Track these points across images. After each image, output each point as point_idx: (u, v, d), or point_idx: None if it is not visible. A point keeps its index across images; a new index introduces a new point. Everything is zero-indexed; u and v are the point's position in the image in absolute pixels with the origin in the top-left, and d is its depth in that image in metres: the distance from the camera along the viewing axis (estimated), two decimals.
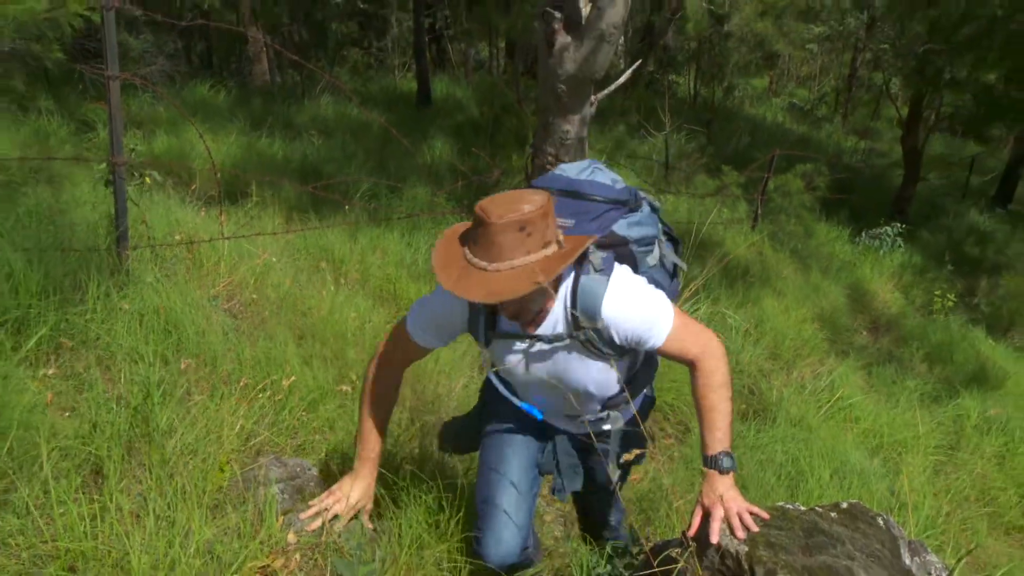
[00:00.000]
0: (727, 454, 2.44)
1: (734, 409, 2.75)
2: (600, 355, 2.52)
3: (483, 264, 2.24)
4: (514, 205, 2.22)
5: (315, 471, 3.11)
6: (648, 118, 14.79)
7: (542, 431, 2.90)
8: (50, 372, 3.35)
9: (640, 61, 11.34)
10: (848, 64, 23.72)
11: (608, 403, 2.74)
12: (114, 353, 3.57)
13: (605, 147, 13.72)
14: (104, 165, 4.52)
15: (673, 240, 2.90)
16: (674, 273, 2.86)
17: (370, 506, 2.81)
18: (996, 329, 10.65)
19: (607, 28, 6.24)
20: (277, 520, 2.64)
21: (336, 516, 2.72)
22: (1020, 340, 10.44)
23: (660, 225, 2.81)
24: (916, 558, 2.68)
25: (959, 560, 3.85)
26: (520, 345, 2.57)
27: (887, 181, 16.78)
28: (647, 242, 2.69)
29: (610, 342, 2.47)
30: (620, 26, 6.36)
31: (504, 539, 2.74)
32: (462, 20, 21.55)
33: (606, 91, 7.34)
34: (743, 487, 4.28)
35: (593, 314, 2.41)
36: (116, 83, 4.23)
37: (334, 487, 2.79)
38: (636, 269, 2.61)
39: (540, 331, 2.50)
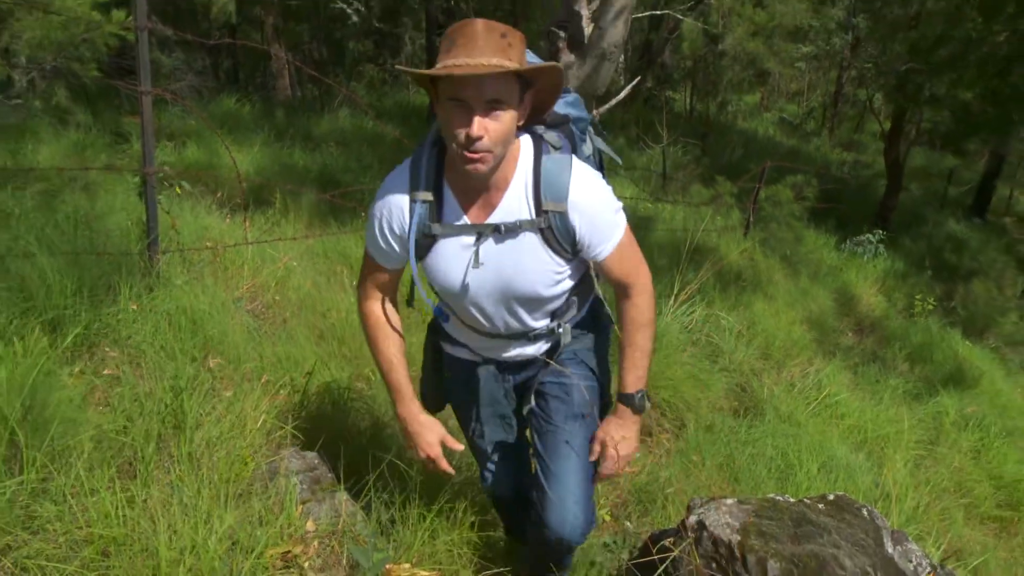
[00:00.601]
0: (644, 394, 2.35)
1: (655, 349, 2.55)
2: (557, 249, 2.23)
3: (464, 60, 1.94)
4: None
5: (332, 463, 3.11)
6: (647, 131, 14.81)
7: (487, 376, 2.59)
8: (84, 368, 3.36)
9: (639, 78, 11.36)
10: (834, 81, 23.73)
11: (555, 312, 2.44)
12: (144, 351, 3.58)
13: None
14: (137, 175, 4.52)
15: (601, 133, 2.71)
16: (601, 166, 2.63)
17: (445, 433, 2.51)
18: (972, 331, 10.70)
19: (608, 47, 6.25)
20: (296, 509, 2.65)
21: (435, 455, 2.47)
22: (994, 341, 10.48)
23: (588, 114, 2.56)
24: (898, 547, 2.68)
25: (946, 559, 3.84)
26: (467, 240, 2.24)
27: (871, 191, 16.78)
28: (582, 127, 2.50)
29: (569, 235, 2.21)
30: (620, 45, 6.37)
31: (509, 481, 2.76)
32: None
33: (607, 106, 7.35)
34: (735, 481, 4.31)
35: (560, 194, 2.17)
36: (148, 98, 4.24)
37: (412, 440, 2.50)
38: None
39: (494, 217, 2.21)
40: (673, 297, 6.21)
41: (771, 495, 2.83)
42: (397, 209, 2.26)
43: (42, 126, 7.65)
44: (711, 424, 4.97)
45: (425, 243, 2.26)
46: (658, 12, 13.68)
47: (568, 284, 2.37)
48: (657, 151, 13.93)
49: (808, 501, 2.79)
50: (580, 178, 2.19)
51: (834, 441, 5.29)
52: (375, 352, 2.53)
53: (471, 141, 1.97)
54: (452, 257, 2.27)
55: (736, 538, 2.53)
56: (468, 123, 1.97)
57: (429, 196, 2.22)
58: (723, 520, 2.62)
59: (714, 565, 2.57)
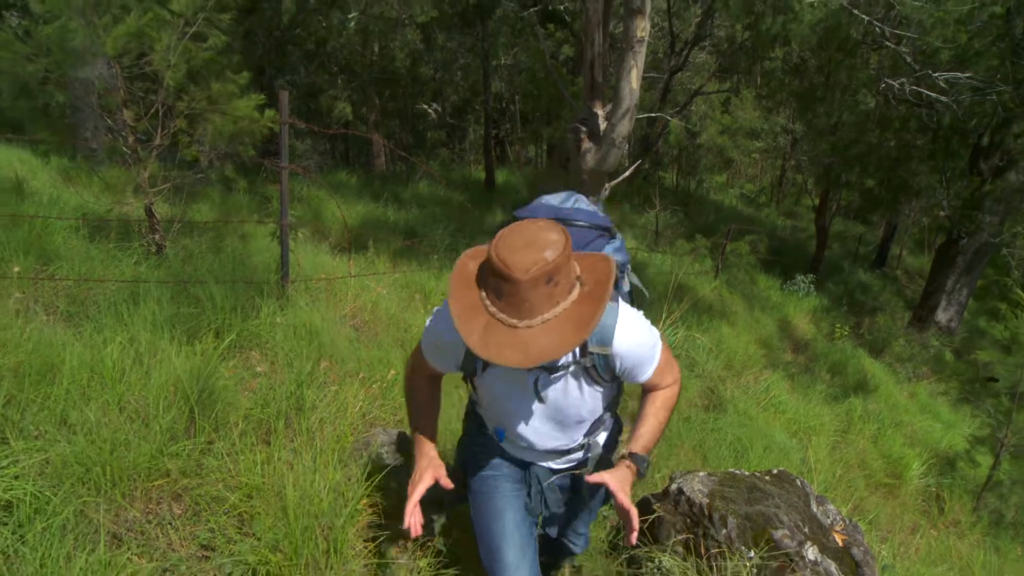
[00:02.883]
0: (648, 462, 1.85)
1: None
2: (598, 381, 1.82)
3: (513, 322, 1.51)
4: (535, 254, 1.49)
5: (408, 436, 3.13)
6: (644, 200, 14.88)
7: (523, 474, 2.07)
8: (236, 365, 3.43)
9: (639, 161, 11.38)
10: (779, 168, 23.75)
11: (591, 428, 1.98)
12: (277, 353, 3.62)
13: (613, 219, 13.72)
14: (276, 226, 4.62)
15: (632, 272, 2.19)
16: (632, 298, 2.14)
17: (442, 471, 1.87)
18: (874, 351, 10.75)
19: (617, 138, 6.31)
20: (382, 471, 2.68)
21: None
22: (889, 359, 10.55)
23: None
24: (820, 507, 2.66)
25: (851, 514, 3.78)
26: (521, 376, 1.79)
27: (805, 248, 16.87)
28: (623, 267, 2.02)
29: (609, 370, 1.79)
30: (626, 137, 6.42)
31: None
32: (518, 130, 21.79)
33: (615, 181, 7.41)
34: (704, 459, 4.27)
35: (606, 341, 1.72)
36: (286, 172, 4.34)
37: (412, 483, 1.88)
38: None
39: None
40: (661, 322, 6.20)
41: (731, 470, 2.81)
42: (451, 336, 1.68)
43: (215, 192, 7.85)
44: (688, 416, 4.94)
45: (479, 363, 1.81)
46: (653, 114, 13.79)
47: (604, 402, 1.92)
48: (651, 215, 13.99)
49: (758, 474, 2.77)
50: (625, 323, 1.74)
51: (776, 430, 5.25)
52: (411, 420, 2.02)
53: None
54: (503, 385, 1.85)
55: (706, 501, 2.52)
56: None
57: None
58: (696, 487, 2.61)
59: (688, 520, 2.55)
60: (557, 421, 1.89)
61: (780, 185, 24.30)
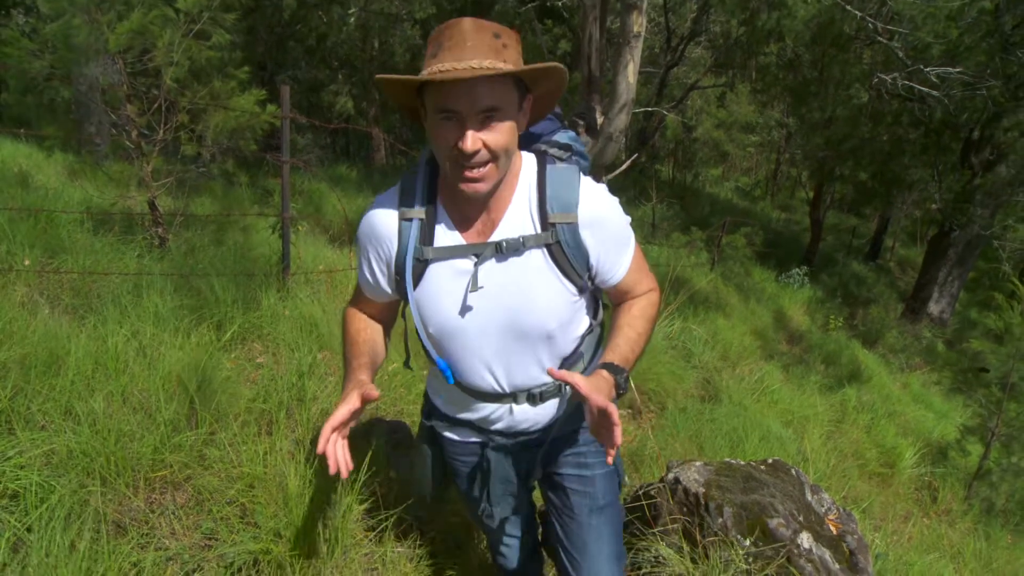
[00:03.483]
0: (627, 376, 1.46)
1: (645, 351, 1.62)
2: (568, 270, 1.45)
3: (450, 64, 1.24)
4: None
5: (409, 428, 3.13)
6: (641, 193, 14.85)
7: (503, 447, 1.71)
8: (238, 356, 3.42)
9: (636, 155, 11.36)
10: (774, 161, 23.74)
11: (566, 362, 1.57)
12: (279, 345, 3.61)
13: None
14: (277, 219, 4.61)
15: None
16: None
17: (372, 390, 1.39)
18: (867, 342, 10.75)
19: (614, 132, 6.29)
20: (382, 461, 2.67)
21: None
22: (882, 350, 10.59)
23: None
24: (815, 496, 2.66)
25: (845, 503, 3.78)
26: (463, 264, 1.44)
27: (800, 240, 16.90)
28: (585, 167, 1.59)
29: (582, 252, 1.44)
30: (623, 131, 6.40)
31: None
32: None
33: (613, 174, 7.38)
34: (701, 449, 4.28)
35: (569, 204, 1.41)
36: (287, 166, 4.33)
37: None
38: None
39: (495, 236, 1.43)
40: (659, 314, 6.19)
41: (727, 459, 2.81)
42: (385, 230, 1.49)
43: (217, 186, 7.82)
44: (684, 407, 4.94)
45: (416, 269, 1.46)
46: (650, 108, 13.81)
47: (578, 323, 1.57)
48: (648, 207, 13.97)
49: (753, 464, 2.76)
50: (590, 188, 1.45)
51: (771, 420, 5.24)
52: (344, 340, 1.65)
53: (467, 157, 1.28)
54: (446, 284, 1.46)
55: (702, 490, 2.52)
56: (462, 137, 1.27)
57: (421, 213, 1.45)
58: (692, 477, 2.61)
59: (685, 509, 2.55)
60: (516, 334, 1.48)
61: (775, 178, 24.35)
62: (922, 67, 10.06)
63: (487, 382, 1.56)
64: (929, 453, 6.14)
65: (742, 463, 2.75)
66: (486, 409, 1.63)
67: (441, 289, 1.46)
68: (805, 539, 2.31)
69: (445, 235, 1.45)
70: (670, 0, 15.13)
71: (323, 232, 7.27)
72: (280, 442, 2.56)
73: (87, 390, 2.50)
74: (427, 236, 1.45)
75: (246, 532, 2.19)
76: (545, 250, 1.43)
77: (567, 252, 1.43)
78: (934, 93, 10.23)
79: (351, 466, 1.38)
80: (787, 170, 22.90)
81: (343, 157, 16.83)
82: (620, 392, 1.44)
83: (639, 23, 5.97)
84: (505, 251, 1.41)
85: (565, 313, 1.50)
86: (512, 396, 1.58)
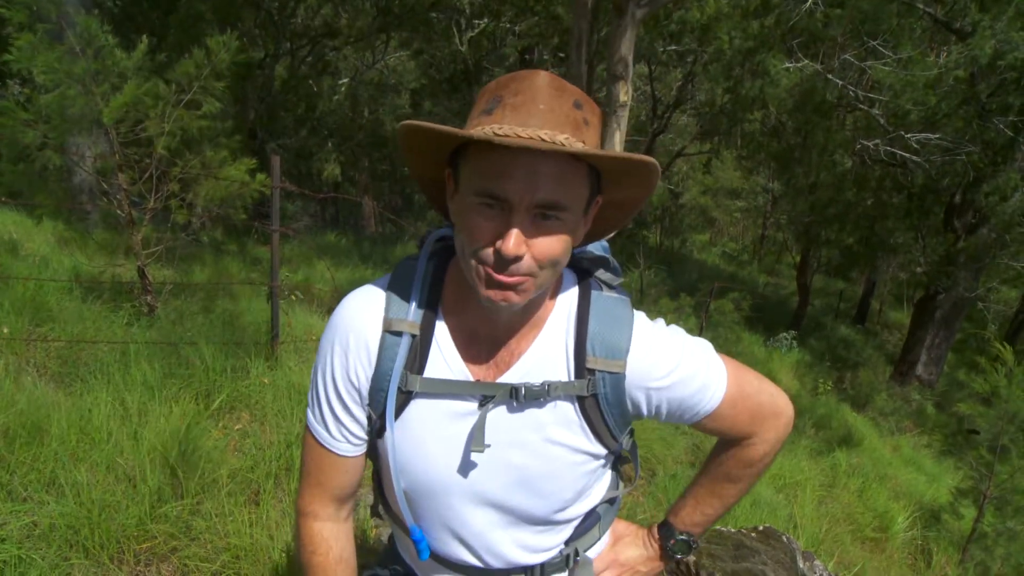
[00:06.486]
0: (694, 544, 1.26)
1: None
2: (600, 431, 1.05)
3: (511, 129, 0.86)
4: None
5: None
6: (628, 260, 15.03)
7: None
8: (226, 424, 3.41)
9: None
10: (760, 226, 24.16)
11: (578, 529, 1.18)
12: (267, 413, 3.60)
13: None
14: (266, 287, 4.66)
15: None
16: None
17: None
18: (857, 405, 10.74)
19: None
20: (372, 532, 2.65)
21: None
22: (872, 413, 10.58)
23: None
24: (807, 563, 2.66)
25: (838, 570, 3.76)
26: (459, 406, 1.02)
27: (787, 304, 17.07)
28: (619, 274, 1.21)
29: (623, 415, 1.05)
30: None
31: None
32: None
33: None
34: None
35: (617, 347, 1.02)
36: (276, 234, 4.40)
37: None
38: None
39: (511, 376, 1.02)
40: None
41: (717, 527, 2.81)
42: (361, 343, 1.05)
43: (206, 253, 7.89)
44: (675, 473, 4.92)
45: (397, 401, 1.03)
46: None
47: (602, 487, 1.21)
48: (636, 274, 14.12)
49: (744, 531, 2.76)
50: (645, 328, 1.08)
51: (762, 485, 5.22)
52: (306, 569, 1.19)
53: (505, 264, 0.89)
54: (435, 429, 1.04)
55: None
56: (504, 234, 0.87)
57: (415, 327, 1.03)
58: None
59: None
60: (519, 503, 1.08)
61: (761, 243, 24.72)
62: (903, 133, 10.41)
63: (474, 558, 1.13)
64: (922, 516, 6.11)
65: (733, 530, 2.76)
66: None
67: (428, 435, 1.04)
68: None
69: (442, 361, 1.03)
70: (655, 70, 15.65)
71: (312, 300, 7.32)
72: (268, 512, 2.55)
73: (71, 460, 2.50)
74: (419, 360, 1.03)
75: None
76: (576, 403, 1.03)
77: (603, 409, 1.04)
78: (915, 159, 10.56)
79: None
80: (773, 235, 23.28)
81: (332, 225, 17.03)
82: (671, 559, 1.19)
83: (625, 92, 6.19)
84: (522, 399, 1.01)
85: (587, 479, 1.12)
86: (505, 574, 1.15)
